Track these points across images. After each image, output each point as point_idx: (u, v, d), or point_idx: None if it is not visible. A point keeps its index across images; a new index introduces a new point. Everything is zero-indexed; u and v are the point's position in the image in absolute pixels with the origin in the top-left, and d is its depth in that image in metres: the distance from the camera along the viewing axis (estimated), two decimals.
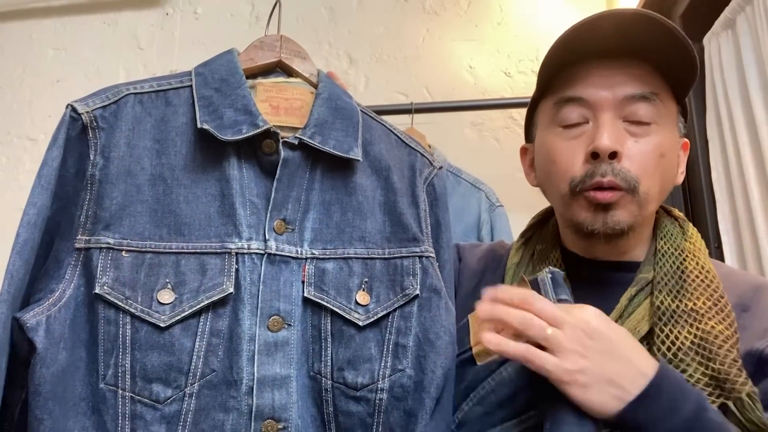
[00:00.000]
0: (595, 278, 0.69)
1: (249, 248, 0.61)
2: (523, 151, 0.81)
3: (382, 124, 0.76)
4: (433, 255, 0.70)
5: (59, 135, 0.64)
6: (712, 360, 0.57)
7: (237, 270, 0.60)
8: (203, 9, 2.00)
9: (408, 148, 0.76)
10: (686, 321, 0.60)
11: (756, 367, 0.58)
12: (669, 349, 0.59)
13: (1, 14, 2.06)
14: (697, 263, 0.64)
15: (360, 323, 0.63)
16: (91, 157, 0.61)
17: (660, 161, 0.64)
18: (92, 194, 0.60)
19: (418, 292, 0.66)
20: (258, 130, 0.62)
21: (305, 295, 0.62)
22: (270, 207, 0.63)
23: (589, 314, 0.56)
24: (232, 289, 0.59)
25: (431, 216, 0.72)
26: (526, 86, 1.71)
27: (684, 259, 0.65)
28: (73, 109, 0.64)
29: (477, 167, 1.46)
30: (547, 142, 0.70)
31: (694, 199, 1.40)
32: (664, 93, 0.65)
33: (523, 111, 1.77)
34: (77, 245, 0.58)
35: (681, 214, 0.73)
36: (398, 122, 1.67)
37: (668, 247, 0.67)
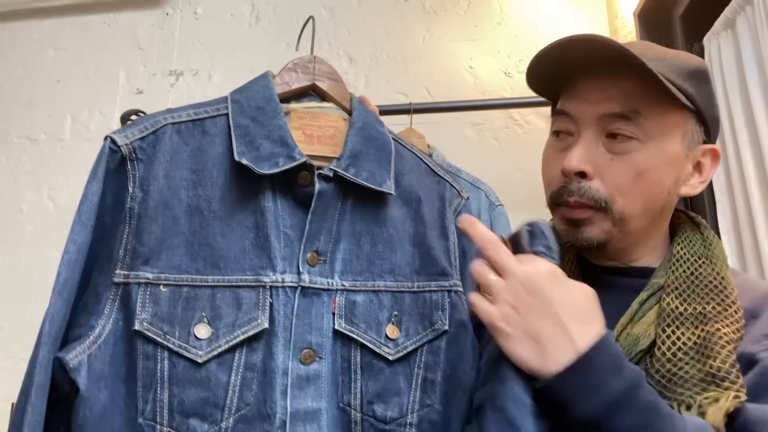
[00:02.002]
0: (610, 283, 0.68)
1: (283, 282, 0.61)
2: None
3: (413, 152, 0.76)
4: (461, 289, 0.70)
5: (99, 168, 0.63)
6: (712, 358, 0.57)
7: (271, 304, 0.60)
8: (203, 9, 2.00)
9: (437, 177, 0.76)
10: (692, 323, 0.60)
11: (745, 368, 0.58)
12: (669, 348, 0.59)
13: (1, 14, 2.06)
14: (713, 269, 0.64)
15: (390, 357, 0.63)
16: (130, 189, 0.61)
17: (637, 180, 0.63)
18: (131, 228, 0.60)
19: (447, 327, 0.67)
20: (295, 163, 0.62)
21: (336, 327, 0.62)
22: (304, 239, 0.63)
23: (537, 270, 0.55)
24: (266, 325, 0.59)
25: (458, 247, 0.73)
26: (526, 86, 1.71)
27: (699, 265, 0.64)
28: (112, 141, 0.63)
29: (477, 167, 1.46)
30: (544, 150, 0.72)
31: (694, 199, 1.41)
32: (654, 107, 0.63)
33: (523, 111, 1.78)
34: (116, 279, 0.58)
35: (703, 221, 0.71)
36: (398, 122, 1.67)
37: (684, 253, 0.66)
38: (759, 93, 1.12)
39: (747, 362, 0.58)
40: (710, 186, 1.31)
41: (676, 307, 0.61)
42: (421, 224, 0.70)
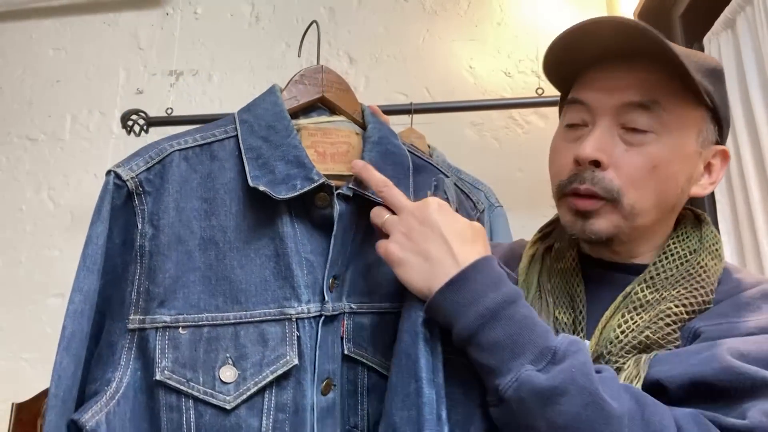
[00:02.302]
0: (609, 279, 0.67)
1: (309, 312, 0.57)
2: None
3: (429, 163, 0.73)
4: None
5: (103, 206, 0.57)
6: (651, 330, 0.58)
7: (299, 338, 0.56)
8: (203, 9, 2.00)
9: (455, 188, 0.74)
10: (652, 307, 0.60)
11: (688, 342, 0.58)
12: (624, 332, 0.59)
13: (1, 14, 2.06)
14: (697, 263, 0.63)
15: None
16: (139, 225, 0.56)
17: (652, 173, 0.61)
18: (143, 268, 0.55)
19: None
20: (313, 185, 0.58)
21: (345, 352, 0.60)
22: (328, 265, 0.59)
23: (426, 202, 0.58)
24: (296, 361, 0.55)
25: None
26: (526, 86, 1.71)
27: (687, 260, 0.64)
28: (117, 176, 0.58)
29: (477, 167, 1.46)
30: (553, 141, 0.70)
31: (694, 199, 1.40)
32: (673, 100, 0.62)
33: (523, 111, 1.78)
34: (131, 326, 0.54)
35: (706, 217, 0.70)
36: (398, 122, 1.67)
37: (676, 248, 0.65)
38: (759, 93, 1.12)
39: (691, 336, 0.58)
40: None
41: (644, 297, 0.61)
42: None
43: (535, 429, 0.50)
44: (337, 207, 0.60)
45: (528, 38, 1.77)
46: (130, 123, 1.58)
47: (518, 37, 1.79)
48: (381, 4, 1.90)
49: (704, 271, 0.62)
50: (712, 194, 1.30)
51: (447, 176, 0.75)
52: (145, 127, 1.59)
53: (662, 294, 0.61)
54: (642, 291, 0.62)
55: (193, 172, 0.59)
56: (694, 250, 0.64)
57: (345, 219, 0.61)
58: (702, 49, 1.34)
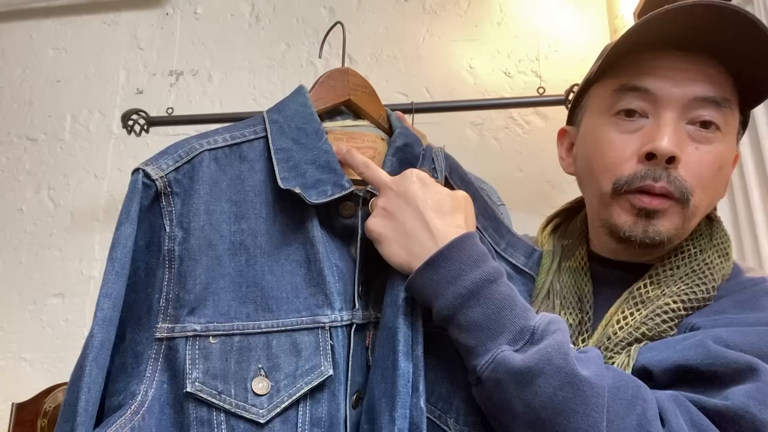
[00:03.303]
0: (617, 278, 0.65)
1: (341, 320, 0.55)
2: (562, 134, 0.74)
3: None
4: None
5: (132, 207, 0.53)
6: (647, 326, 0.57)
7: (332, 347, 0.53)
8: (203, 9, 2.00)
9: (469, 185, 0.71)
10: (652, 303, 0.59)
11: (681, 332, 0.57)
12: (622, 328, 0.58)
13: (1, 14, 2.06)
14: (704, 260, 0.61)
15: None
16: (167, 228, 0.53)
17: (717, 174, 0.59)
18: (172, 273, 0.53)
19: None
20: (344, 192, 0.57)
21: (369, 363, 0.57)
22: (357, 271, 0.58)
23: (405, 176, 0.57)
24: (331, 371, 0.52)
25: None
26: (526, 86, 1.71)
27: (694, 258, 0.62)
28: (146, 175, 0.54)
29: (477, 167, 1.45)
30: (596, 131, 0.64)
31: None
32: (733, 100, 0.60)
33: (523, 111, 1.78)
34: (158, 335, 0.51)
35: (718, 216, 0.68)
36: None
37: (688, 246, 0.63)
38: None
39: (688, 330, 0.57)
40: None
41: (646, 293, 0.60)
42: None
43: (513, 409, 0.49)
44: (361, 213, 0.59)
45: (528, 38, 1.77)
46: (130, 123, 1.58)
47: (518, 37, 1.79)
48: (381, 4, 1.90)
49: (708, 269, 0.60)
50: None
51: (469, 178, 0.74)
52: (145, 127, 1.59)
53: (663, 290, 0.59)
54: (645, 287, 0.61)
55: (222, 174, 0.57)
56: (703, 249, 0.63)
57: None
58: None
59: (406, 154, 0.64)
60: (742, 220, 1.18)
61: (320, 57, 0.77)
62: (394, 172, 0.61)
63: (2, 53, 2.06)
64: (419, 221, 0.54)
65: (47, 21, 2.06)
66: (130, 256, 0.52)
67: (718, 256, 0.62)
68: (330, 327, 0.54)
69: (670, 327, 0.57)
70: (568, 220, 0.76)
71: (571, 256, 0.69)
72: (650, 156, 0.58)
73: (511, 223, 1.39)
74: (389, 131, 0.68)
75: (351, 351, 0.55)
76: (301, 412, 0.51)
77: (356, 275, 0.57)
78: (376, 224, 0.56)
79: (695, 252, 0.62)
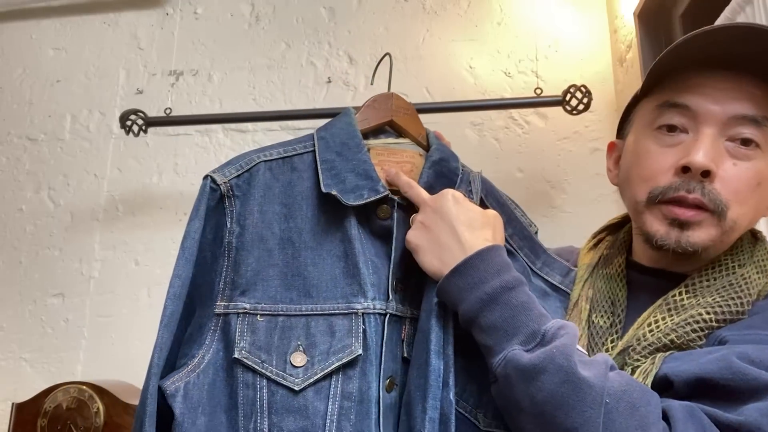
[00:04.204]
0: (653, 286, 0.67)
1: (374, 308, 0.63)
2: (611, 147, 0.77)
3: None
4: None
5: (200, 206, 0.66)
6: (676, 334, 0.58)
7: (364, 330, 0.61)
8: (203, 9, 2.00)
9: (505, 207, 0.77)
10: (685, 311, 0.59)
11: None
12: (651, 332, 0.59)
13: (1, 14, 2.06)
14: (742, 275, 0.62)
15: None
16: (228, 224, 0.65)
17: (756, 189, 0.61)
18: (230, 261, 0.63)
19: None
20: (378, 196, 0.66)
21: (405, 355, 0.64)
22: (392, 266, 0.65)
23: (442, 194, 0.64)
24: (360, 351, 0.60)
25: (525, 275, 0.73)
26: (526, 86, 1.71)
27: (734, 271, 0.62)
28: (213, 180, 0.66)
29: (477, 167, 1.46)
30: (638, 144, 0.67)
31: None
32: None
33: (523, 111, 1.78)
34: (216, 311, 0.62)
35: (760, 232, 0.69)
36: None
37: (727, 260, 0.64)
38: None
39: (717, 343, 0.57)
40: None
41: (681, 300, 0.61)
42: None
43: (520, 404, 0.53)
44: (396, 216, 0.67)
45: (528, 38, 1.77)
46: (128, 123, 1.58)
47: (518, 37, 1.79)
48: (381, 4, 1.90)
49: (746, 283, 0.61)
50: None
51: (505, 201, 0.79)
52: (143, 127, 1.59)
53: (698, 300, 0.60)
54: (680, 295, 0.62)
55: (275, 181, 0.68)
56: (742, 264, 0.63)
57: (404, 227, 0.67)
58: None
59: (442, 168, 0.73)
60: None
61: (372, 84, 0.84)
62: (430, 183, 0.70)
63: (2, 53, 2.06)
64: (451, 234, 0.61)
65: (47, 21, 2.06)
66: (197, 246, 0.64)
67: (757, 272, 0.63)
68: (363, 313, 0.62)
69: (699, 337, 0.58)
70: (614, 234, 0.79)
71: (609, 264, 0.72)
72: (686, 169, 0.60)
73: None
74: (427, 148, 0.76)
75: (385, 338, 0.62)
76: (333, 385, 0.59)
77: (390, 270, 0.65)
78: (414, 236, 0.64)
79: (734, 266, 0.63)
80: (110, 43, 2.01)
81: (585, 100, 1.41)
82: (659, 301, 0.63)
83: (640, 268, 0.70)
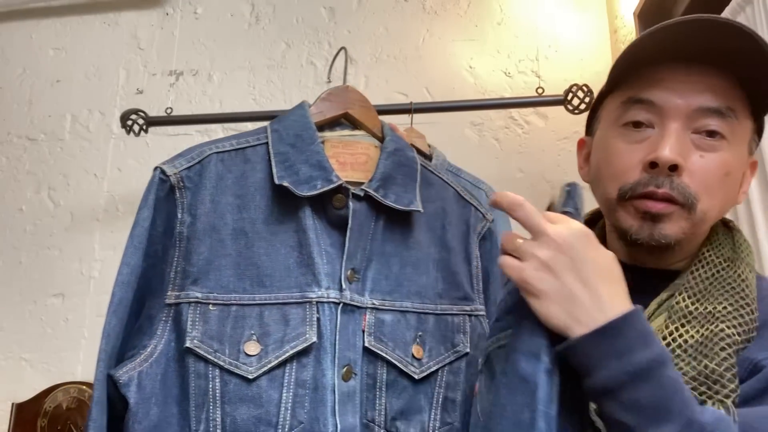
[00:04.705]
0: (638, 285, 0.64)
1: (328, 297, 0.63)
2: (581, 144, 0.77)
3: (441, 178, 0.78)
4: (483, 313, 0.72)
5: (149, 196, 0.66)
6: (708, 358, 0.56)
7: (318, 319, 0.61)
8: (203, 9, 2.00)
9: (464, 201, 0.78)
10: (699, 322, 0.58)
11: (747, 374, 0.56)
12: (669, 345, 0.58)
13: (1, 14, 2.06)
14: (735, 272, 0.62)
15: (416, 376, 0.65)
16: (179, 215, 0.64)
17: (724, 180, 0.61)
18: (180, 251, 0.63)
19: (468, 350, 0.69)
20: (332, 186, 0.65)
21: (365, 344, 0.64)
22: (345, 256, 0.65)
23: (570, 228, 0.54)
24: (315, 339, 0.60)
25: (482, 270, 0.75)
26: (526, 86, 1.71)
27: (723, 268, 0.62)
28: (162, 172, 0.66)
29: (477, 167, 1.46)
30: (606, 141, 0.67)
31: None
32: (741, 109, 0.62)
33: (523, 111, 1.78)
34: (168, 301, 0.61)
35: (736, 226, 0.69)
36: (398, 122, 1.66)
37: (710, 255, 0.64)
38: None
39: (750, 368, 0.56)
40: None
41: (687, 306, 0.60)
42: (446, 249, 0.72)
43: None
44: (351, 206, 0.66)
45: (528, 38, 1.77)
46: (129, 123, 1.58)
47: (518, 37, 1.79)
48: (381, 4, 1.90)
49: (746, 286, 0.61)
50: None
51: (456, 188, 0.77)
52: (144, 127, 1.59)
53: (706, 306, 0.59)
54: (684, 300, 0.61)
55: (228, 172, 0.67)
56: (728, 258, 0.63)
57: (360, 216, 0.67)
58: None
59: (399, 158, 0.72)
60: (742, 220, 1.18)
61: (329, 81, 0.84)
62: (387, 174, 0.69)
63: (2, 53, 2.06)
64: (585, 285, 0.52)
65: (47, 21, 2.06)
66: (146, 234, 0.64)
67: (749, 271, 0.63)
68: (317, 302, 0.62)
69: (729, 355, 0.56)
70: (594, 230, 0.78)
71: None
72: (653, 165, 0.60)
73: (509, 224, 1.39)
74: (383, 140, 0.76)
75: (338, 326, 0.62)
76: (287, 374, 0.59)
77: (344, 260, 0.64)
78: (536, 279, 0.53)
79: (720, 261, 0.63)
80: (110, 43, 2.01)
81: (587, 100, 1.41)
82: (654, 306, 0.62)
83: (621, 265, 0.70)
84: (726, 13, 1.22)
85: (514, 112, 1.73)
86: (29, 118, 1.98)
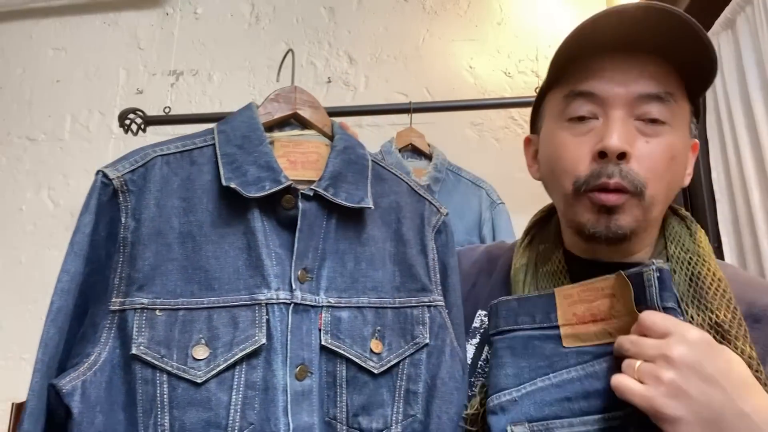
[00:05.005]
0: None
1: (278, 298, 0.62)
2: (527, 142, 0.78)
3: (393, 174, 0.78)
4: (441, 303, 0.72)
5: (91, 201, 0.64)
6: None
7: (268, 320, 0.61)
8: (203, 9, 2.00)
9: (417, 195, 0.78)
10: (714, 338, 0.56)
11: None
12: None
13: (1, 14, 2.06)
14: (709, 269, 0.62)
15: (375, 371, 0.65)
16: (123, 220, 0.63)
17: (670, 164, 0.62)
18: (125, 256, 0.61)
19: (428, 341, 0.69)
20: (280, 187, 0.64)
21: (323, 343, 0.64)
22: (294, 257, 0.64)
23: (691, 344, 0.49)
24: (264, 340, 0.60)
25: (439, 262, 0.75)
26: (526, 86, 1.71)
27: (695, 265, 0.62)
28: (104, 175, 0.64)
29: (477, 167, 1.46)
30: (553, 137, 0.67)
31: (694, 199, 1.41)
32: (678, 93, 0.63)
33: (523, 111, 1.78)
34: (112, 308, 0.59)
35: (687, 213, 0.71)
36: (398, 122, 1.66)
37: (679, 252, 0.64)
38: (759, 93, 1.12)
39: None
40: (710, 186, 1.31)
41: (693, 318, 0.59)
42: (401, 243, 0.72)
43: None
44: (300, 205, 0.66)
45: (528, 38, 1.77)
46: (127, 122, 1.58)
47: (518, 37, 1.79)
48: (381, 4, 1.90)
49: (725, 283, 0.60)
50: (712, 194, 1.30)
51: (409, 182, 0.77)
52: (142, 126, 1.59)
53: (708, 316, 0.58)
54: (689, 310, 0.60)
55: (173, 175, 0.66)
56: (693, 252, 0.64)
57: (310, 216, 0.67)
58: None
59: (349, 155, 0.73)
60: (742, 220, 1.18)
61: (278, 81, 0.84)
62: (337, 172, 0.69)
63: (2, 53, 2.06)
64: (729, 403, 0.48)
65: (47, 21, 2.06)
66: (87, 240, 0.62)
67: (715, 263, 0.63)
68: (266, 304, 0.62)
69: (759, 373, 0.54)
70: (542, 228, 0.78)
71: (548, 260, 0.70)
72: (602, 154, 0.61)
73: (510, 223, 1.39)
74: (333, 138, 0.76)
75: (290, 327, 0.62)
76: (236, 376, 0.59)
77: (293, 261, 0.64)
78: (670, 407, 0.48)
79: (689, 258, 0.63)
80: (110, 43, 2.01)
81: None
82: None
83: (580, 261, 0.69)
84: (726, 13, 1.22)
85: (514, 112, 1.73)
86: (29, 118, 1.98)
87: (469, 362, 0.72)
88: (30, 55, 2.04)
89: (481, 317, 0.74)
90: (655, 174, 0.61)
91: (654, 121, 0.61)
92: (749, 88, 1.14)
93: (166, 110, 1.62)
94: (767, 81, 1.10)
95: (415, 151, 1.44)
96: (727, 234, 1.25)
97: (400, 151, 1.41)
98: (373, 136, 1.79)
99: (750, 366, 0.54)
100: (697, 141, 0.69)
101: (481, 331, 0.73)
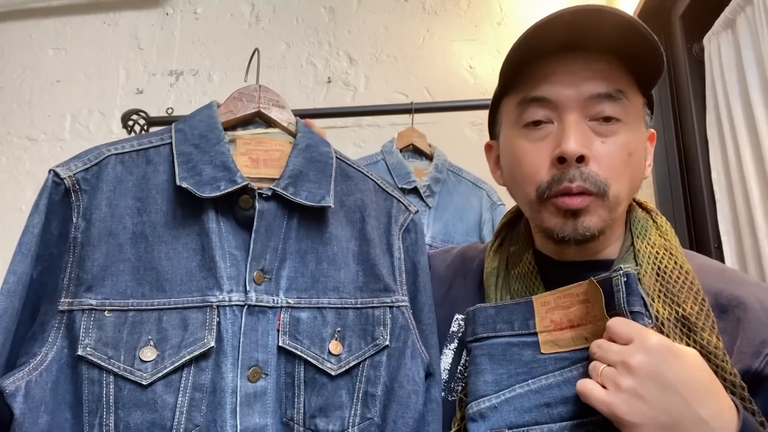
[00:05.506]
0: (570, 280, 0.65)
1: (230, 301, 0.62)
2: (488, 149, 0.78)
3: (360, 171, 0.77)
4: (405, 304, 0.71)
5: (41, 201, 0.64)
6: (720, 377, 0.54)
7: (219, 323, 0.61)
8: (203, 9, 2.00)
9: (384, 193, 0.77)
10: (681, 330, 0.58)
11: (752, 387, 0.54)
12: None
13: (1, 14, 2.06)
14: (676, 262, 0.62)
15: (332, 372, 0.64)
16: (74, 219, 0.62)
17: (628, 161, 0.62)
18: (74, 257, 0.61)
19: (388, 342, 0.68)
20: (236, 187, 0.64)
21: (280, 344, 0.63)
22: (249, 258, 0.64)
23: (650, 351, 0.50)
24: (213, 343, 0.60)
25: (407, 261, 0.74)
26: None
27: (662, 258, 0.63)
28: (56, 174, 0.65)
29: (477, 167, 1.46)
30: (511, 144, 0.68)
31: (694, 199, 1.41)
32: (629, 88, 0.63)
33: None
34: (60, 308, 0.59)
35: (653, 207, 0.71)
36: (398, 122, 1.67)
37: (645, 246, 0.64)
38: (759, 93, 1.12)
39: (753, 379, 0.54)
40: (710, 186, 1.31)
41: (658, 312, 0.59)
42: (365, 242, 0.71)
43: None
44: (257, 206, 0.65)
45: None
46: (130, 123, 1.58)
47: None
48: (381, 4, 1.90)
49: (690, 273, 0.61)
50: (712, 194, 1.30)
51: (377, 180, 0.76)
52: (145, 127, 1.59)
53: (676, 309, 0.58)
54: (655, 304, 0.60)
55: (128, 174, 0.66)
56: (660, 246, 0.65)
57: (268, 216, 0.66)
58: (702, 49, 1.34)
59: (312, 153, 0.72)
60: (742, 220, 1.18)
61: (245, 80, 0.84)
62: (297, 170, 0.68)
63: (2, 53, 2.06)
64: (686, 408, 0.48)
65: (47, 21, 2.06)
66: (36, 241, 0.62)
67: (682, 255, 0.64)
68: (218, 306, 0.61)
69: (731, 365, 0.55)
70: (511, 230, 0.78)
71: (519, 262, 0.70)
72: (561, 159, 0.61)
73: None
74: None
75: (243, 328, 0.61)
76: (184, 378, 0.58)
77: (248, 262, 0.63)
78: (629, 413, 0.49)
79: (653, 251, 0.64)
80: (110, 43, 2.01)
81: None
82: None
83: (551, 261, 0.69)
84: (726, 13, 1.22)
85: None
86: (29, 118, 1.98)
87: (447, 368, 0.71)
88: (30, 55, 2.04)
89: (458, 321, 0.74)
90: (615, 172, 0.62)
91: (608, 120, 0.62)
92: (749, 88, 1.14)
93: (169, 111, 1.62)
94: (767, 81, 1.10)
95: (417, 152, 1.44)
96: (727, 234, 1.25)
97: (401, 151, 1.42)
98: (373, 136, 1.79)
99: (716, 357, 0.55)
100: (653, 131, 0.70)
101: (459, 335, 0.73)
